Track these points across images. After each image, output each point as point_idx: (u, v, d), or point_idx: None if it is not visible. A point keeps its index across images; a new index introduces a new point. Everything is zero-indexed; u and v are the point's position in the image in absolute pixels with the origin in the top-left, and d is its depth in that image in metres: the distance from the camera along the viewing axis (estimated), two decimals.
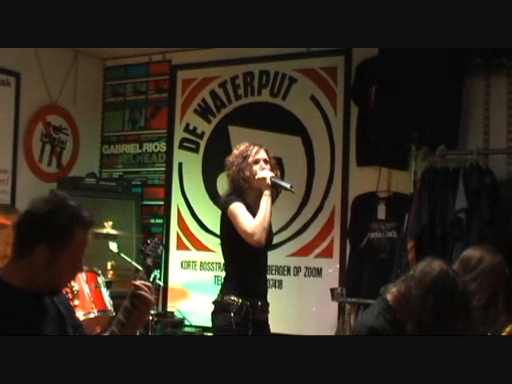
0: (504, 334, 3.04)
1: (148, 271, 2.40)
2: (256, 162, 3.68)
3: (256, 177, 3.64)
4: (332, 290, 4.91)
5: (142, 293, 2.26)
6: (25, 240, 2.17)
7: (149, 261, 2.43)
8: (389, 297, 2.64)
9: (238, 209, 3.61)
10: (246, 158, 3.70)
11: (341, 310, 4.93)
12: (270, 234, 3.74)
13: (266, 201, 3.63)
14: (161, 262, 2.13)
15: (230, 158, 3.79)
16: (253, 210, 3.66)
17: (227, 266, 3.80)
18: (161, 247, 2.55)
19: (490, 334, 3.13)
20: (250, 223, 3.58)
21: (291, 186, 3.66)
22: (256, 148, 3.74)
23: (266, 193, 3.63)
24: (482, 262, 3.19)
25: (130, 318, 2.23)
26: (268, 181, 3.60)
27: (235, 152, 3.79)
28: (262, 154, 3.74)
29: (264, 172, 3.65)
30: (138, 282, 2.28)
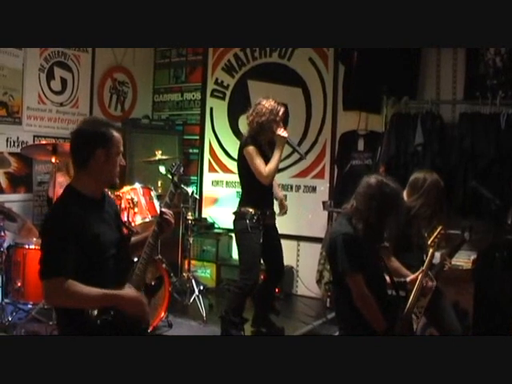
0: (436, 232, 3.24)
1: (175, 186, 2.61)
2: (279, 120, 4.11)
3: (277, 133, 4.06)
4: (323, 203, 5.61)
5: (167, 217, 2.50)
6: (85, 150, 2.37)
7: (175, 178, 2.64)
8: (349, 210, 2.96)
9: (253, 152, 4.03)
10: (276, 114, 4.06)
11: (329, 217, 5.66)
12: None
13: (279, 153, 4.06)
14: (182, 179, 2.77)
15: (263, 109, 4.06)
16: (262, 149, 4.09)
17: (243, 186, 4.27)
18: (182, 168, 2.74)
19: (427, 234, 3.40)
20: (264, 168, 3.98)
21: (304, 153, 4.13)
22: (282, 109, 4.12)
23: (281, 147, 4.07)
24: (426, 181, 3.50)
25: (157, 240, 2.48)
26: (285, 140, 4.08)
27: (266, 105, 4.07)
28: (283, 114, 4.14)
29: (285, 132, 4.07)
30: (164, 210, 2.52)
